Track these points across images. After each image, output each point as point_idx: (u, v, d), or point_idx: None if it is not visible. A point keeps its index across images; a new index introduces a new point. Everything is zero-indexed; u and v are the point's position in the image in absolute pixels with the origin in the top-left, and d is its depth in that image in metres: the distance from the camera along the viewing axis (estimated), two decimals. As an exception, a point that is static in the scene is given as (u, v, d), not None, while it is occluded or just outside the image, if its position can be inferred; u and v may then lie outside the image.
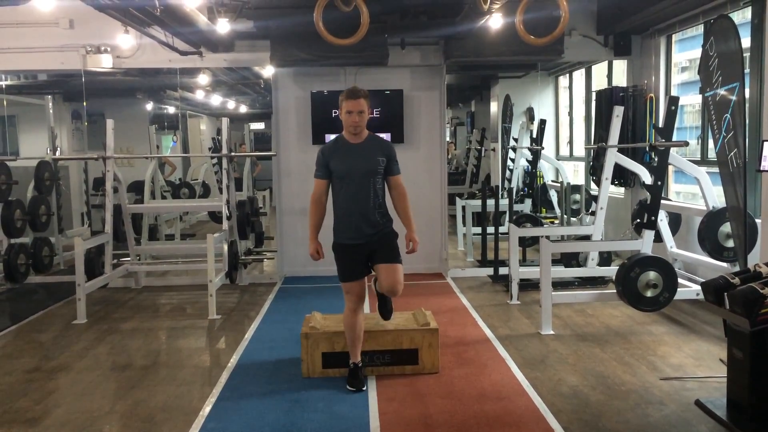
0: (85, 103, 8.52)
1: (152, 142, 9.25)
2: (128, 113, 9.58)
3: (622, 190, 8.46)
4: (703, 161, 6.89)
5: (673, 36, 7.63)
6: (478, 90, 11.51)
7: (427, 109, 8.07)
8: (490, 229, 7.86)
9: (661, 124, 5.92)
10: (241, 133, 11.35)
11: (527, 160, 9.46)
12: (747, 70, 5.67)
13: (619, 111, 6.49)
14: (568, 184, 8.30)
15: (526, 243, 8.10)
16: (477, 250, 8.76)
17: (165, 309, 6.83)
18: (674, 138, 5.85)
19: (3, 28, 7.53)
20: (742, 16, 6.32)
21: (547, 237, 6.00)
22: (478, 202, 8.41)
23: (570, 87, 10.01)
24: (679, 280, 5.53)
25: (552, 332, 5.54)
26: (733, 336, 3.81)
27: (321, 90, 7.96)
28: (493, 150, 10.49)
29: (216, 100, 11.07)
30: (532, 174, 9.36)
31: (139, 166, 9.02)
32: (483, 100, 11.43)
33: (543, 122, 9.06)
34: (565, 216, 8.11)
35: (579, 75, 9.67)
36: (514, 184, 9.40)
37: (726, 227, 5.64)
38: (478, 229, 8.50)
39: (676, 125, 5.85)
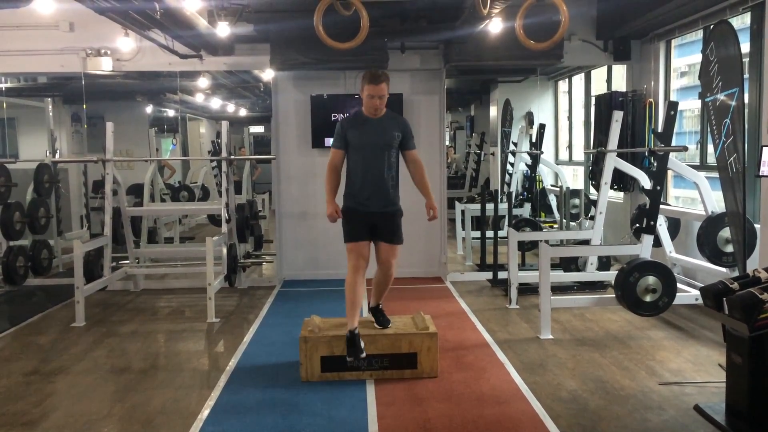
0: (84, 106, 8.53)
1: (152, 145, 9.25)
2: (128, 116, 9.58)
3: (621, 194, 8.47)
4: (702, 166, 6.89)
5: (673, 41, 7.65)
6: (477, 94, 11.53)
7: (426, 113, 8.07)
8: (490, 233, 7.86)
9: (660, 129, 5.92)
10: (240, 136, 11.35)
11: (526, 165, 9.47)
12: (746, 76, 5.68)
13: (618, 116, 6.50)
14: (568, 188, 8.30)
15: (525, 247, 8.09)
16: (476, 254, 8.76)
17: (164, 312, 6.82)
18: (673, 143, 5.85)
19: (3, 31, 7.54)
20: (742, 22, 6.33)
21: (546, 241, 6.00)
22: (478, 206, 8.42)
23: (569, 91, 10.03)
24: (678, 285, 5.52)
25: (551, 337, 5.54)
26: (731, 341, 3.81)
27: (321, 93, 7.97)
28: (493, 154, 10.50)
29: (216, 103, 11.07)
30: (531, 178, 9.37)
31: (139, 169, 9.01)
32: (482, 104, 11.46)
33: (542, 126, 9.07)
34: (564, 220, 8.12)
35: (578, 80, 9.69)
36: (513, 189, 9.40)
37: (725, 232, 5.64)
38: (478, 233, 8.50)
39: (675, 130, 5.86)
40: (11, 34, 7.56)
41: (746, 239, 4.94)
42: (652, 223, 5.85)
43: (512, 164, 9.56)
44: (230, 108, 11.52)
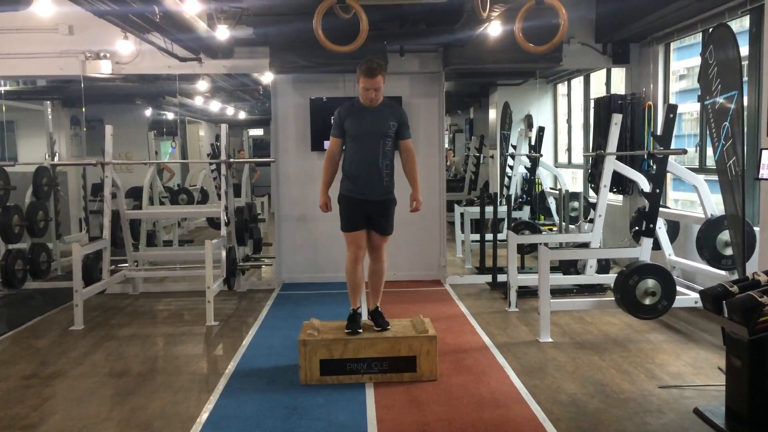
0: (84, 109, 8.53)
1: (151, 148, 9.25)
2: (127, 119, 9.57)
3: (620, 197, 8.47)
4: (702, 169, 6.90)
5: (672, 44, 7.66)
6: (476, 97, 11.54)
7: (425, 116, 8.07)
8: (489, 236, 7.86)
9: (659, 132, 5.93)
10: (240, 139, 11.36)
11: (526, 167, 9.47)
12: (745, 79, 5.69)
13: (617, 119, 6.50)
14: (567, 191, 8.30)
15: (524, 250, 8.09)
16: (475, 257, 8.76)
17: (163, 315, 6.81)
18: (672, 146, 5.85)
19: (2, 34, 7.54)
20: (740, 25, 6.34)
21: (546, 244, 6.00)
22: (477, 209, 8.42)
23: (568, 94, 10.03)
24: (678, 288, 5.52)
25: (550, 340, 5.53)
26: (731, 344, 3.80)
27: (320, 97, 7.97)
28: (492, 157, 10.51)
29: (215, 106, 11.07)
30: (530, 181, 9.37)
31: (138, 171, 9.01)
32: (482, 107, 11.46)
33: (541, 129, 9.07)
34: (563, 223, 8.11)
35: (577, 83, 9.70)
36: (512, 191, 9.40)
37: (724, 235, 5.64)
38: (477, 236, 8.50)
39: (674, 133, 5.86)
40: (10, 37, 7.56)
41: (745, 242, 4.94)
42: (651, 226, 5.85)
43: (511, 167, 9.56)
44: (229, 111, 11.53)
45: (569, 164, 10.11)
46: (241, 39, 7.44)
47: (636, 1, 6.79)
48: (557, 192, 8.62)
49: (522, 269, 7.81)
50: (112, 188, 7.20)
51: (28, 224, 7.72)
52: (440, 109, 8.12)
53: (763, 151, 4.42)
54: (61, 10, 6.42)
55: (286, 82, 8.06)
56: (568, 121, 10.08)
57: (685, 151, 6.24)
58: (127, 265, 7.65)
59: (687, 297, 5.69)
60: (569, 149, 10.12)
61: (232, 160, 7.55)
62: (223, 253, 7.00)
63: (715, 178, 5.30)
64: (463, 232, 9.17)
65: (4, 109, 9.18)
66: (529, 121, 9.82)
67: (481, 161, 11.30)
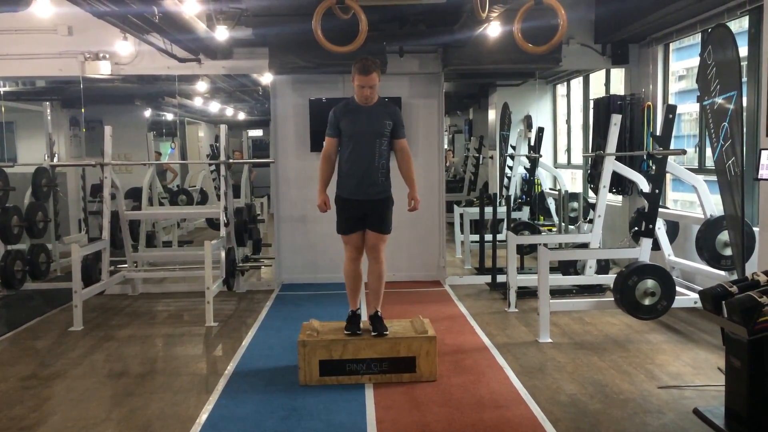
0: (83, 110, 8.52)
1: (150, 148, 9.25)
2: (126, 120, 9.56)
3: (619, 198, 8.47)
4: (701, 169, 6.90)
5: (671, 45, 7.66)
6: (476, 98, 11.54)
7: (425, 117, 8.07)
8: (488, 237, 7.86)
9: (658, 133, 5.93)
10: (239, 140, 11.36)
11: (525, 168, 9.47)
12: (744, 79, 5.69)
13: (616, 119, 6.50)
14: (566, 191, 8.30)
15: (524, 251, 8.09)
16: (475, 258, 8.76)
17: (162, 316, 6.81)
18: (672, 146, 5.85)
19: (1, 35, 7.53)
20: (739, 25, 6.34)
21: (545, 245, 5.99)
22: (476, 210, 8.42)
23: (568, 95, 10.03)
24: (677, 289, 5.52)
25: (550, 340, 5.53)
26: (731, 344, 3.80)
27: (319, 97, 7.96)
28: (491, 158, 10.51)
29: (214, 107, 11.08)
30: (530, 182, 9.37)
31: (137, 172, 9.01)
32: (481, 107, 11.46)
33: (541, 130, 9.07)
34: (563, 224, 8.11)
35: (577, 83, 9.70)
36: (512, 192, 9.40)
37: (724, 235, 5.64)
38: (476, 237, 8.50)
39: (673, 133, 5.86)
40: (10, 38, 7.55)
41: (745, 242, 4.94)
42: (650, 226, 5.85)
43: (511, 168, 9.56)
44: (229, 112, 11.54)
45: (568, 165, 10.11)
46: (240, 40, 7.44)
47: (635, 1, 6.79)
48: (557, 192, 8.62)
49: (521, 270, 7.81)
50: (111, 189, 7.20)
51: (27, 225, 7.72)
52: (439, 109, 8.12)
53: (763, 152, 4.42)
54: (60, 11, 6.41)
55: (286, 83, 8.06)
56: (568, 121, 10.08)
57: (684, 152, 6.24)
58: (126, 265, 7.65)
59: (686, 297, 5.69)
60: (568, 150, 10.12)
61: (231, 161, 7.54)
62: (223, 254, 7.00)
63: (715, 178, 5.30)
64: (462, 232, 9.17)
65: (3, 110, 9.18)
66: (528, 121, 9.81)
67: (481, 162, 11.30)
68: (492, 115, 10.45)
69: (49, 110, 9.19)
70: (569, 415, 4.02)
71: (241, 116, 12.04)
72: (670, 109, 5.72)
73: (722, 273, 5.71)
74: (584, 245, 7.03)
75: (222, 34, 6.86)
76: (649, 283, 5.29)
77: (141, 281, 7.82)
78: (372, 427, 3.89)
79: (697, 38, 7.10)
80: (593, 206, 7.26)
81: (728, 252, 5.60)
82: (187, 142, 10.87)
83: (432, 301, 7.10)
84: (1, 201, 7.52)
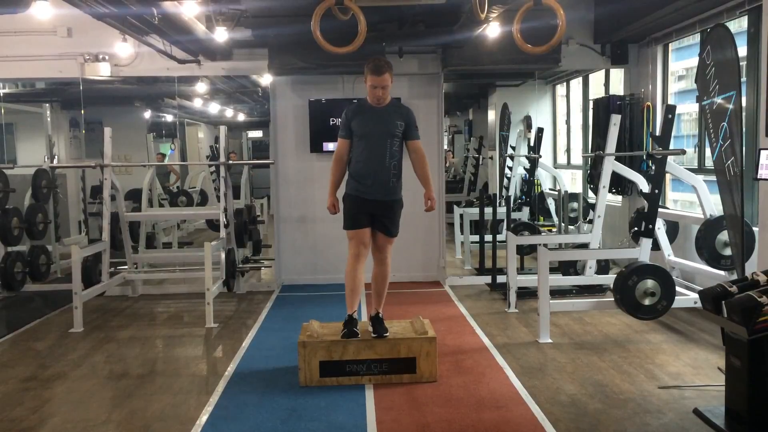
0: (83, 111, 8.53)
1: (150, 150, 9.25)
2: (126, 121, 9.57)
3: (619, 198, 8.47)
4: (700, 169, 6.90)
5: (670, 45, 7.66)
6: (475, 98, 11.55)
7: (424, 117, 8.05)
8: (488, 237, 7.86)
9: (658, 133, 5.93)
10: (239, 141, 11.37)
11: (525, 168, 9.48)
12: (744, 79, 5.70)
13: (616, 119, 6.51)
14: (566, 192, 8.30)
15: (523, 251, 8.09)
16: (475, 258, 8.76)
17: (162, 317, 6.81)
18: (671, 146, 5.86)
19: (1, 36, 7.54)
20: (739, 25, 6.35)
21: (545, 245, 5.99)
22: (476, 210, 8.42)
23: (567, 95, 10.04)
24: (677, 289, 5.52)
25: (550, 340, 5.53)
26: (730, 344, 3.81)
27: (319, 98, 7.97)
28: (491, 158, 10.51)
29: (214, 108, 11.08)
30: (529, 182, 9.37)
31: (137, 173, 9.01)
32: (480, 108, 11.46)
33: (540, 130, 9.08)
34: (562, 224, 8.12)
35: (576, 83, 9.70)
36: (511, 192, 9.40)
37: (723, 235, 5.64)
38: (476, 237, 8.50)
39: (672, 133, 5.86)
40: (9, 40, 7.55)
41: (744, 242, 4.94)
42: (650, 226, 5.85)
43: (510, 168, 9.56)
44: (228, 113, 11.54)
45: (568, 165, 10.11)
46: (239, 41, 7.44)
47: (634, 1, 6.79)
48: (556, 193, 8.62)
49: (521, 270, 7.81)
50: (111, 190, 7.20)
51: (27, 226, 7.71)
52: (439, 110, 8.12)
53: (762, 151, 4.42)
54: (59, 13, 6.42)
55: (285, 84, 8.07)
56: (567, 122, 10.08)
57: (683, 152, 6.24)
58: (126, 267, 7.66)
59: (686, 297, 5.69)
60: (568, 150, 10.13)
61: (230, 162, 7.54)
62: (223, 255, 7.00)
63: (714, 178, 5.30)
64: (462, 233, 9.17)
65: (2, 111, 9.18)
66: (528, 122, 9.82)
67: (480, 162, 11.30)
68: (491, 115, 10.45)
69: (48, 112, 9.21)
70: (569, 415, 4.02)
71: (241, 117, 12.05)
72: (670, 109, 5.73)
73: (722, 273, 5.71)
74: (584, 245, 7.03)
75: (221, 35, 6.86)
76: (649, 283, 5.29)
77: (141, 282, 7.82)
78: (372, 427, 3.89)
79: (697, 38, 7.10)
80: (593, 206, 7.27)
81: (728, 252, 5.61)
82: (186, 143, 10.88)
83: (432, 302, 7.11)
84: (1, 203, 7.52)
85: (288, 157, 8.13)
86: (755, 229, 5.25)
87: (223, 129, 7.50)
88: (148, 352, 5.58)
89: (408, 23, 7.36)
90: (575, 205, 8.56)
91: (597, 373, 4.75)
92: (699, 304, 4.29)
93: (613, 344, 5.43)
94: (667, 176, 7.09)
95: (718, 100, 4.97)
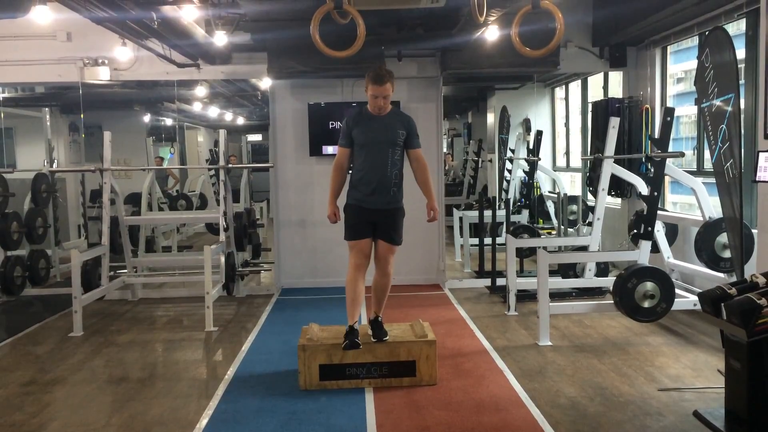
0: (82, 116, 8.53)
1: (149, 154, 9.26)
2: (125, 125, 9.59)
3: (618, 200, 8.48)
4: (699, 172, 6.91)
5: (668, 47, 7.68)
6: (474, 101, 11.57)
7: (424, 121, 8.03)
8: (488, 240, 7.86)
9: (656, 135, 5.94)
10: (238, 145, 11.38)
11: (524, 171, 9.48)
12: (742, 81, 5.71)
13: (615, 122, 6.51)
14: (565, 194, 8.31)
15: (523, 254, 8.10)
16: (474, 261, 8.76)
17: (162, 321, 6.81)
18: (670, 149, 5.86)
19: (0, 41, 7.55)
20: (737, 28, 6.36)
21: (545, 248, 6.00)
22: (476, 213, 8.42)
23: (566, 98, 10.05)
24: (677, 291, 5.53)
25: (550, 343, 5.53)
26: (730, 346, 3.81)
27: (318, 102, 7.98)
28: (490, 161, 10.53)
29: (213, 112, 11.10)
30: (529, 185, 9.38)
31: (137, 178, 9.02)
32: (480, 111, 11.49)
33: (539, 133, 9.09)
34: (562, 227, 8.12)
35: (575, 86, 9.72)
36: (511, 195, 9.41)
37: (723, 238, 5.64)
38: (476, 240, 8.50)
39: (671, 136, 5.87)
40: (9, 44, 7.57)
41: (744, 244, 4.94)
42: (649, 228, 5.86)
43: (510, 171, 9.57)
44: (228, 116, 11.56)
45: (567, 168, 10.12)
46: (239, 45, 7.45)
47: (633, 4, 6.81)
48: (556, 195, 8.63)
49: (521, 273, 7.81)
50: (110, 194, 7.21)
51: (26, 231, 7.72)
52: (438, 113, 8.13)
53: (761, 154, 4.42)
54: (59, 17, 6.43)
55: (285, 88, 8.08)
56: (566, 124, 10.10)
57: (682, 154, 6.25)
58: (126, 271, 7.66)
59: (686, 299, 5.69)
60: (567, 153, 10.14)
61: (230, 165, 7.55)
62: (222, 259, 7.01)
63: (713, 180, 5.30)
64: (462, 236, 9.18)
65: (2, 116, 9.19)
66: (527, 125, 9.83)
67: (480, 165, 11.32)
68: (491, 118, 10.47)
69: (48, 116, 9.21)
70: (569, 417, 4.02)
71: (241, 121, 12.07)
72: (668, 112, 5.73)
73: (721, 275, 5.70)
74: (583, 248, 7.03)
75: (221, 39, 6.88)
76: (649, 285, 5.30)
77: (141, 286, 7.82)
78: (372, 431, 3.88)
79: (695, 41, 7.12)
80: (592, 209, 7.27)
81: (727, 254, 5.61)
82: (186, 147, 10.88)
83: (432, 305, 7.11)
84: (1, 207, 7.53)
85: (287, 160, 8.14)
86: (754, 231, 5.26)
87: (222, 132, 7.51)
88: (148, 355, 5.58)
89: (407, 27, 7.38)
90: (574, 207, 8.56)
91: (597, 375, 4.75)
92: (698, 307, 4.30)
93: (612, 347, 5.43)
94: (667, 179, 7.10)
95: (717, 102, 4.98)
